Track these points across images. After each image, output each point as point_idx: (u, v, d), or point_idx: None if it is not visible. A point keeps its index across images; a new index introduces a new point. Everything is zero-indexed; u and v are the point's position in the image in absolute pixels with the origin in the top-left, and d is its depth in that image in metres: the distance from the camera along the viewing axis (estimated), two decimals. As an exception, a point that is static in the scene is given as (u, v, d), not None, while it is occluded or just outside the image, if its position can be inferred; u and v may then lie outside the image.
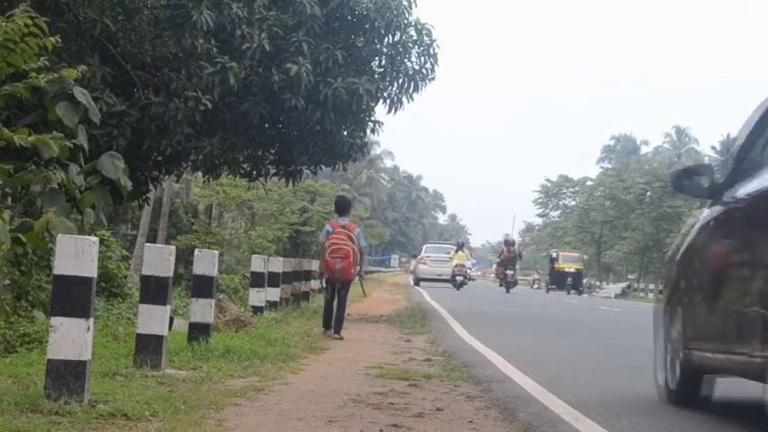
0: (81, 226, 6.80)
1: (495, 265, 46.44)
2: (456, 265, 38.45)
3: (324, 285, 13.13)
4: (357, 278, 12.88)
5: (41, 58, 6.52)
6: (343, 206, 13.00)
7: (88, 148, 7.04)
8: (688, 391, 6.59)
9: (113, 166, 6.57)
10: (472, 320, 16.52)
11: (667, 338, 6.94)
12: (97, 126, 8.54)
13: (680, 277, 6.85)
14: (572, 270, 50.77)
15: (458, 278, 37.93)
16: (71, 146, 6.31)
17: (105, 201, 6.72)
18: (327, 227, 12.80)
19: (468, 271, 41.90)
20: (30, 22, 6.34)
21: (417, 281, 41.78)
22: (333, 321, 12.65)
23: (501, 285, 39.71)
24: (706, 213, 6.50)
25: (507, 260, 38.53)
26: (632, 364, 9.96)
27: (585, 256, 56.24)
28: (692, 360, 6.34)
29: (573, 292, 48.98)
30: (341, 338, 12.33)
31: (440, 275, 39.82)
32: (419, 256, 44.63)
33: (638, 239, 61.43)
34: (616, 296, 50.15)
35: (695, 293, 6.39)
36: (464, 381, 8.18)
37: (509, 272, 38.44)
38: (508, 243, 41.42)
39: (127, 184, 6.71)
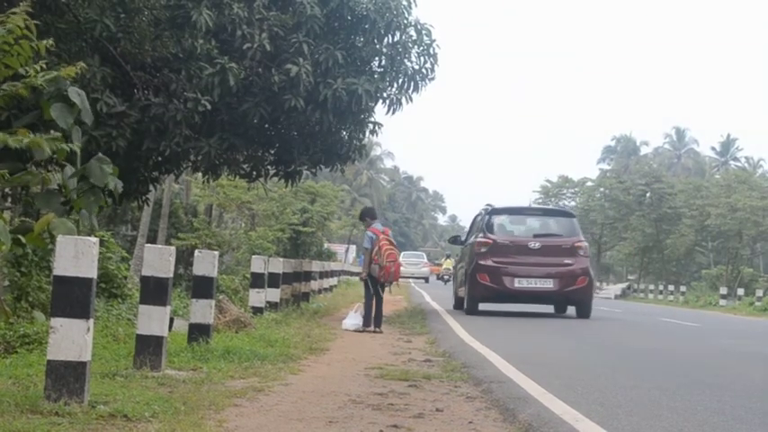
0: (78, 227, 6.78)
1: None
2: (444, 269, 55.09)
3: (369, 287, 14.34)
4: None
5: (40, 62, 6.51)
6: (373, 213, 15.25)
7: (88, 149, 7.04)
8: (458, 306, 20.28)
9: (101, 171, 6.51)
10: (472, 321, 16.52)
11: (454, 290, 21.95)
12: (90, 127, 8.50)
13: (456, 270, 22.90)
14: None
15: (445, 277, 53.28)
16: (68, 149, 6.29)
17: (97, 204, 6.69)
18: (371, 234, 14.33)
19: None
20: (23, 24, 6.32)
21: None
22: (374, 318, 14.17)
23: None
24: (462, 249, 21.79)
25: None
26: (631, 364, 9.96)
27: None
28: (457, 296, 20.82)
29: None
30: (381, 332, 13.86)
31: (412, 274, 54.39)
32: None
33: (638, 240, 61.43)
34: (616, 297, 50.16)
35: (457, 274, 21.76)
36: (464, 381, 8.18)
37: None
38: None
39: (117, 185, 6.68)
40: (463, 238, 21.29)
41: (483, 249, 18.60)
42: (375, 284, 14.25)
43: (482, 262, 18.45)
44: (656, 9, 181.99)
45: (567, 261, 18.50)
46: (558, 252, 18.59)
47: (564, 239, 18.86)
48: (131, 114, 12.83)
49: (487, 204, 20.19)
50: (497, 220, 19.54)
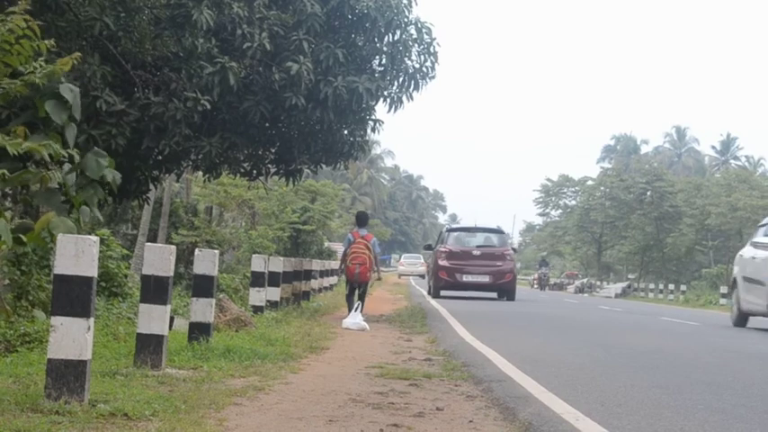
0: (77, 224, 6.77)
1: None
2: None
3: (346, 285, 16.05)
4: (376, 279, 16.33)
5: (39, 59, 6.49)
6: (362, 219, 15.97)
7: (87, 148, 7.02)
8: (429, 292, 28.74)
9: (96, 164, 6.50)
10: (472, 320, 16.51)
11: (428, 281, 30.91)
12: (89, 126, 8.49)
13: (429, 268, 32.93)
14: None
15: None
16: (65, 154, 6.28)
17: (98, 198, 6.67)
18: (349, 236, 15.59)
19: None
20: (24, 24, 6.31)
21: (399, 275, 68.67)
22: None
23: None
24: (434, 252, 29.33)
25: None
26: (632, 363, 9.96)
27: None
28: (430, 285, 28.97)
29: None
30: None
31: (411, 272, 67.61)
32: (399, 261, 77.55)
33: (639, 239, 61.41)
34: (616, 296, 50.16)
35: (431, 271, 30.19)
36: (464, 380, 8.17)
37: None
38: None
39: (115, 177, 6.66)
40: (433, 246, 30.02)
41: (442, 255, 27.31)
42: (347, 284, 15.66)
43: (441, 263, 27.15)
44: (656, 9, 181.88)
45: (498, 263, 27.02)
46: (493, 257, 27.20)
47: (497, 249, 27.69)
48: (131, 113, 12.82)
49: (448, 224, 30.91)
50: (453, 234, 28.84)
